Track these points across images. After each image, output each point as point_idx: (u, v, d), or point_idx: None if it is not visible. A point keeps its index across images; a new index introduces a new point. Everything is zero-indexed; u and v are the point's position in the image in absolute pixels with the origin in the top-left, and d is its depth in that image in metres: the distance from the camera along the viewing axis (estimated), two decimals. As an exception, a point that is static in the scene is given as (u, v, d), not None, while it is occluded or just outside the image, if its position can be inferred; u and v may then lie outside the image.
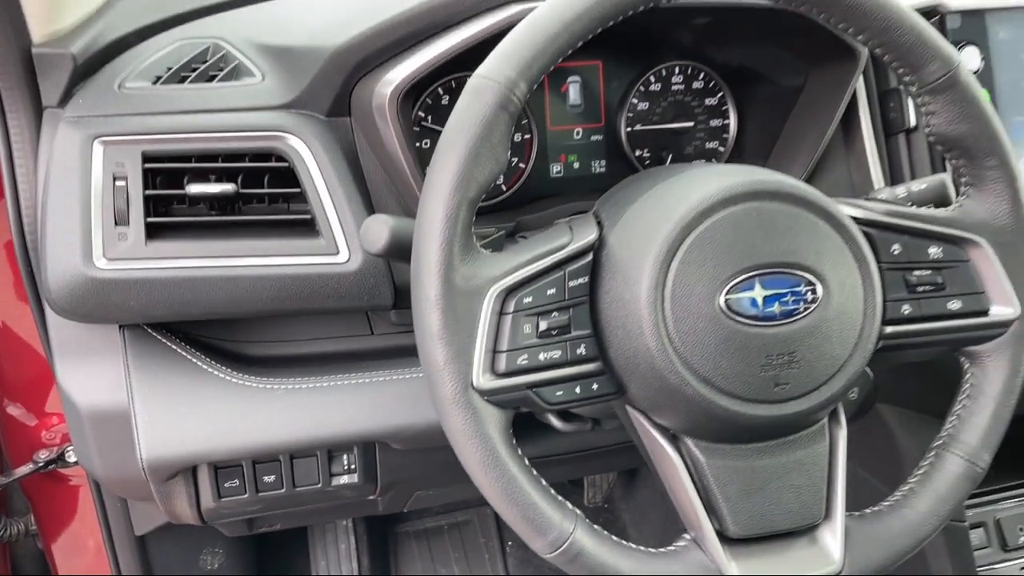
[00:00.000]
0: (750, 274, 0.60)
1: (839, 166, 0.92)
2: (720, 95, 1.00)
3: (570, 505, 0.62)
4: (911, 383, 0.98)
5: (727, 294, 0.60)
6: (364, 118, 0.80)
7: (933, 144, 0.70)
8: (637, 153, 0.99)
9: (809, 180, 0.91)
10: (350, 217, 0.78)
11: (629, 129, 0.98)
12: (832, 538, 0.65)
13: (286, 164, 0.78)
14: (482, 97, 0.59)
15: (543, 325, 0.61)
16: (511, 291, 0.60)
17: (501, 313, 0.60)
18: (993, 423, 0.69)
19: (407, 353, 0.87)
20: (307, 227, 0.79)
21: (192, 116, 0.78)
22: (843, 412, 0.68)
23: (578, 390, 0.63)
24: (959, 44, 0.91)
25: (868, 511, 0.68)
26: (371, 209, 0.81)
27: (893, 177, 0.92)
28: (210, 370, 0.82)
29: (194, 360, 0.82)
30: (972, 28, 0.92)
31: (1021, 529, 1.09)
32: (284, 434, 0.82)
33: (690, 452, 0.64)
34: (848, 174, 0.92)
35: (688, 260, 0.60)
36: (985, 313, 0.69)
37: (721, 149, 1.01)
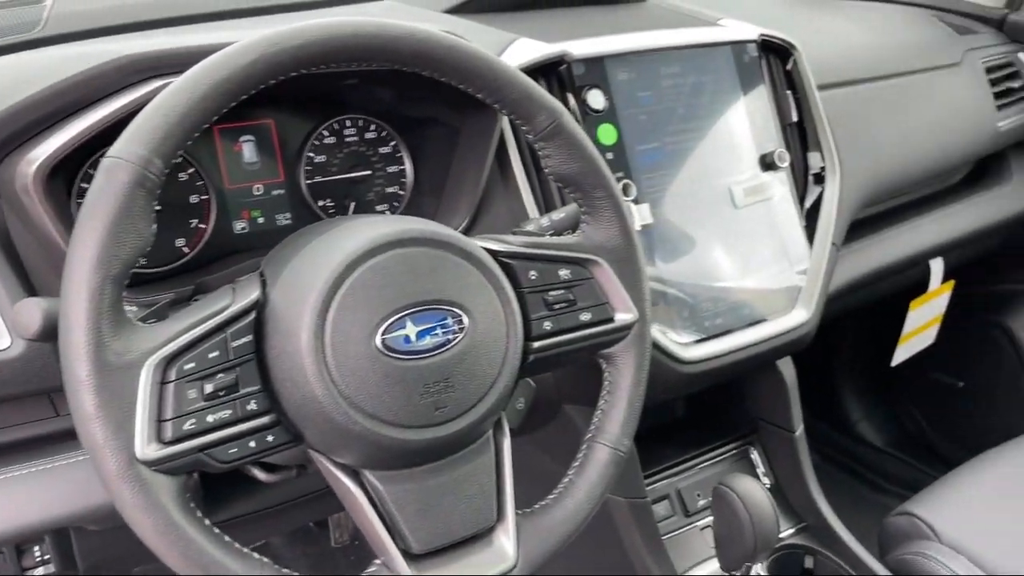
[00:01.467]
0: (401, 314, 0.67)
1: (500, 201, 1.02)
2: (393, 143, 1.07)
3: (257, 555, 0.65)
4: (588, 386, 1.11)
5: (383, 334, 0.66)
6: (12, 198, 0.77)
7: (554, 182, 0.81)
8: (320, 203, 1.04)
9: (476, 216, 1.01)
10: (7, 301, 0.75)
11: (309, 181, 1.03)
12: (506, 537, 0.73)
13: (-73, 253, 0.74)
14: (116, 176, 0.60)
15: (209, 388, 0.63)
16: (171, 360, 0.62)
17: (163, 383, 0.62)
18: (629, 412, 0.81)
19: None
20: (-41, 316, 0.75)
21: None
22: (507, 421, 0.77)
23: (253, 444, 0.66)
24: (585, 87, 1.05)
25: (536, 506, 0.77)
26: (31, 290, 0.79)
27: (547, 205, 1.05)
28: None
29: None
30: (595, 73, 1.07)
31: (698, 495, 1.26)
32: (-45, 538, 0.77)
33: (371, 483, 0.69)
34: (508, 208, 1.03)
35: (343, 308, 0.65)
36: (611, 320, 0.81)
37: (401, 192, 1.08)
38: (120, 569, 1.01)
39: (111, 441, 0.59)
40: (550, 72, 1.04)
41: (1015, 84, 1.71)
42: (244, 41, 0.65)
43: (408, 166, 1.08)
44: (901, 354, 1.69)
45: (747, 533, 1.02)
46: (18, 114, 0.75)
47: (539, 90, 0.77)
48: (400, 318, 0.67)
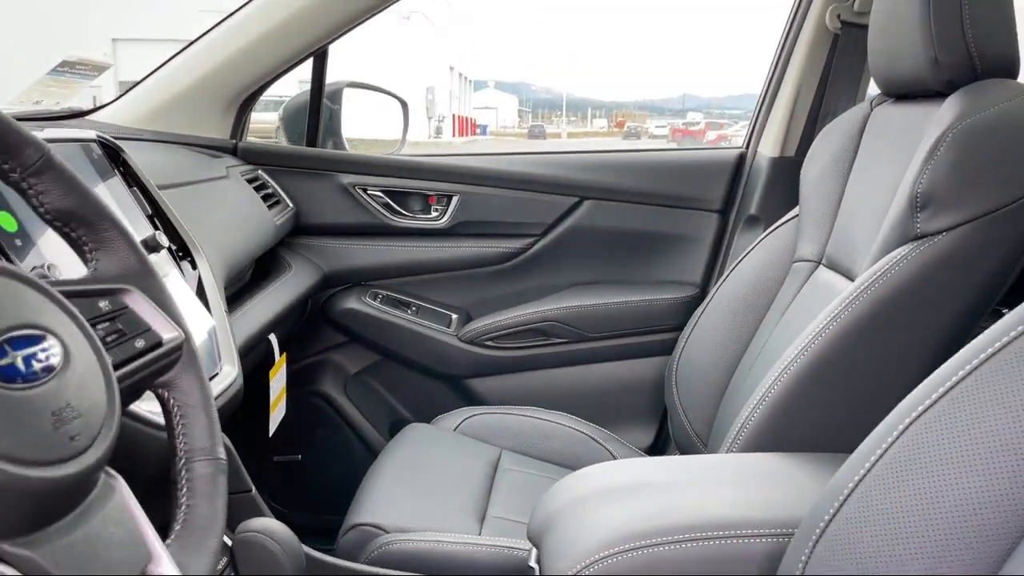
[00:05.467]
0: None
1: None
2: None
3: None
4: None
5: None
6: None
7: (52, 222, 0.76)
8: None
9: None
10: None
11: None
12: (170, 566, 0.66)
13: None
14: None
15: None
16: None
17: None
18: (210, 422, 0.80)
19: None
20: None
21: None
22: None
23: None
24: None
25: (172, 535, 0.71)
26: None
27: None
28: None
29: None
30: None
31: None
32: None
33: (14, 556, 0.55)
34: None
35: None
36: (160, 344, 0.79)
37: None
38: None
39: None
40: None
41: (269, 191, 2.07)
42: None
43: None
44: (273, 421, 1.84)
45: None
46: None
47: (19, 125, 0.73)
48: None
